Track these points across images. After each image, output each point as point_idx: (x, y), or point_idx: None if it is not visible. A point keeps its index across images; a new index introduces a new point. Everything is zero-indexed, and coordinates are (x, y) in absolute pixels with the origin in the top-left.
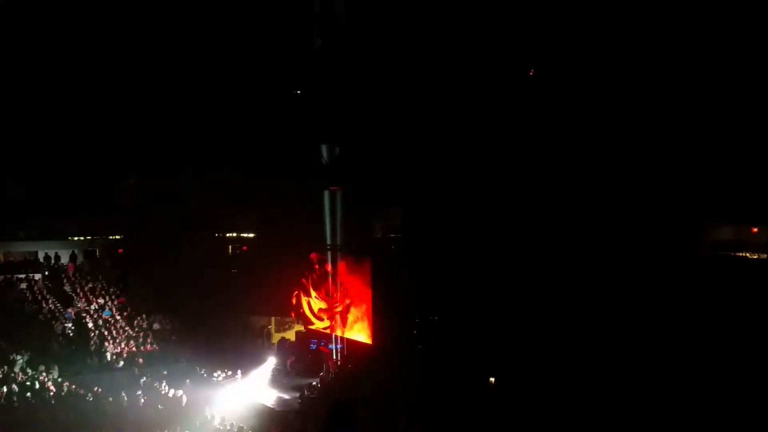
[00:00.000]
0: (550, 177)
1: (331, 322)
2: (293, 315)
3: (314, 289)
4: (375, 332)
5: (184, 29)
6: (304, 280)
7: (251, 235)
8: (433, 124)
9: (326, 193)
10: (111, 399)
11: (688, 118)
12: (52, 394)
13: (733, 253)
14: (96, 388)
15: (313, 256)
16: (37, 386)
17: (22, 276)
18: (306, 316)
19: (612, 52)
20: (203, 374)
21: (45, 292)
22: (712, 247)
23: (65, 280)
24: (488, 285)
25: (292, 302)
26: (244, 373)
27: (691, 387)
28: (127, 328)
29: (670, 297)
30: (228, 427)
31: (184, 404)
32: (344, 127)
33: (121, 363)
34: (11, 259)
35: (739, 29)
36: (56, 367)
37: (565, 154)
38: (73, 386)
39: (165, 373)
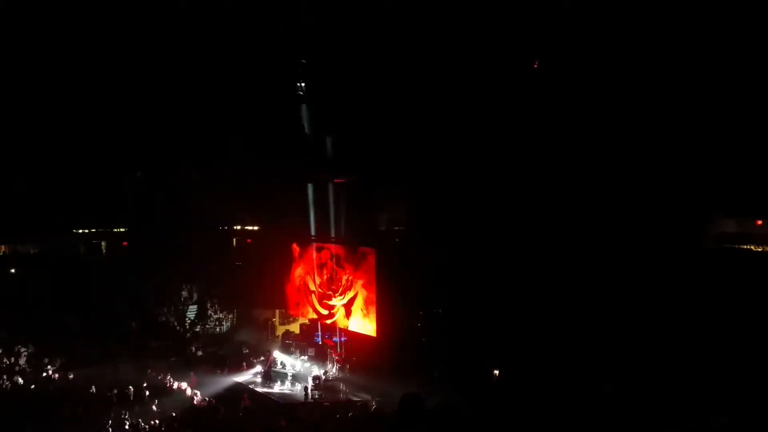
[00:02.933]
0: (555, 175)
1: (336, 315)
2: (295, 313)
3: (319, 282)
4: (379, 325)
5: (188, 22)
6: (307, 272)
7: (255, 227)
8: (437, 117)
9: (331, 186)
10: (116, 391)
11: (693, 112)
12: (57, 386)
13: (737, 246)
14: (100, 381)
15: (317, 244)
16: (42, 379)
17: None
18: (311, 308)
19: (617, 48)
20: (208, 367)
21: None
22: (717, 240)
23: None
24: (493, 278)
25: (295, 295)
26: (248, 366)
27: (697, 378)
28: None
29: (676, 289)
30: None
31: (188, 396)
32: (349, 120)
33: (127, 356)
34: (17, 251)
35: (744, 21)
36: (59, 360)
37: (571, 150)
38: (78, 379)
39: (169, 365)
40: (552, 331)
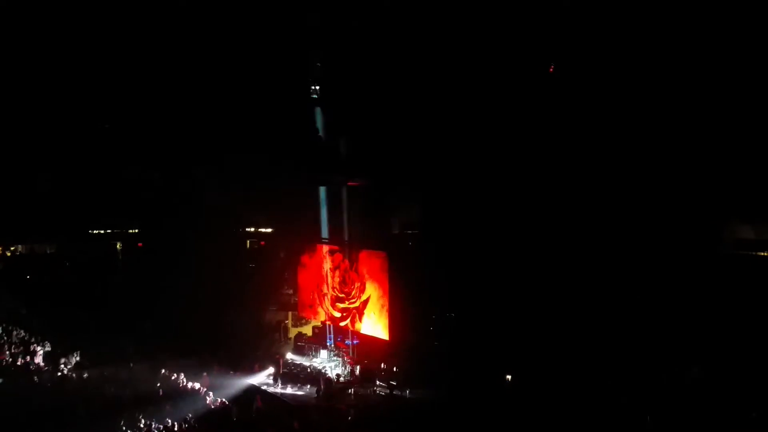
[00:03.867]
0: (570, 175)
1: (348, 318)
2: (308, 316)
3: (332, 285)
4: (392, 328)
5: (201, 24)
6: (320, 275)
7: (269, 230)
8: (450, 121)
9: (345, 189)
10: (128, 392)
11: (708, 116)
12: (72, 385)
13: (755, 253)
14: (114, 381)
15: (330, 247)
16: (58, 377)
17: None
18: (323, 311)
19: (629, 47)
20: (220, 367)
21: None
22: (734, 246)
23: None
24: (506, 282)
25: (308, 297)
26: (261, 368)
27: (712, 384)
28: None
29: (693, 296)
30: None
31: (200, 396)
32: (364, 123)
33: (141, 356)
34: (34, 251)
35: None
36: (75, 360)
37: (585, 152)
38: (93, 378)
39: (183, 365)
40: (566, 336)
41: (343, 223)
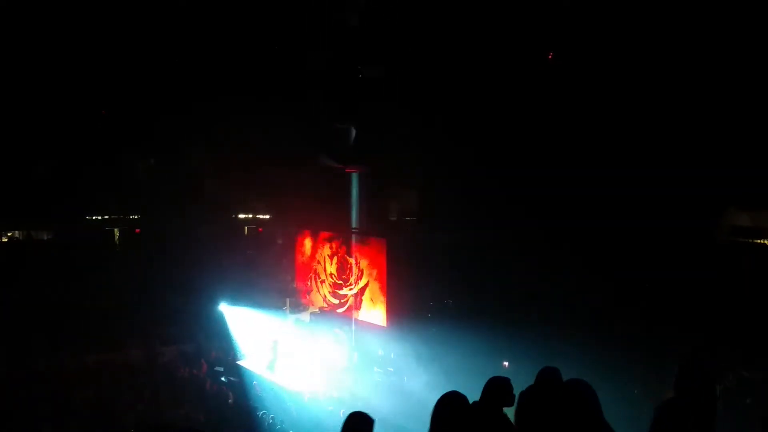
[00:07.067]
0: (566, 169)
1: (346, 305)
2: (305, 300)
3: (329, 271)
4: (390, 315)
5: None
6: (318, 262)
7: (267, 216)
8: (448, 109)
9: (343, 175)
10: (127, 378)
11: (705, 102)
12: (69, 372)
13: (751, 240)
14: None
15: (328, 233)
16: (54, 364)
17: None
18: (321, 298)
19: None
20: (217, 355)
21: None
22: (731, 234)
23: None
24: (505, 269)
25: (306, 284)
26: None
27: (710, 376)
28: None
29: (689, 284)
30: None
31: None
32: (363, 108)
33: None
34: (32, 238)
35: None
36: (73, 346)
37: (584, 148)
38: (90, 365)
39: (179, 353)
40: (564, 323)
41: (342, 210)
